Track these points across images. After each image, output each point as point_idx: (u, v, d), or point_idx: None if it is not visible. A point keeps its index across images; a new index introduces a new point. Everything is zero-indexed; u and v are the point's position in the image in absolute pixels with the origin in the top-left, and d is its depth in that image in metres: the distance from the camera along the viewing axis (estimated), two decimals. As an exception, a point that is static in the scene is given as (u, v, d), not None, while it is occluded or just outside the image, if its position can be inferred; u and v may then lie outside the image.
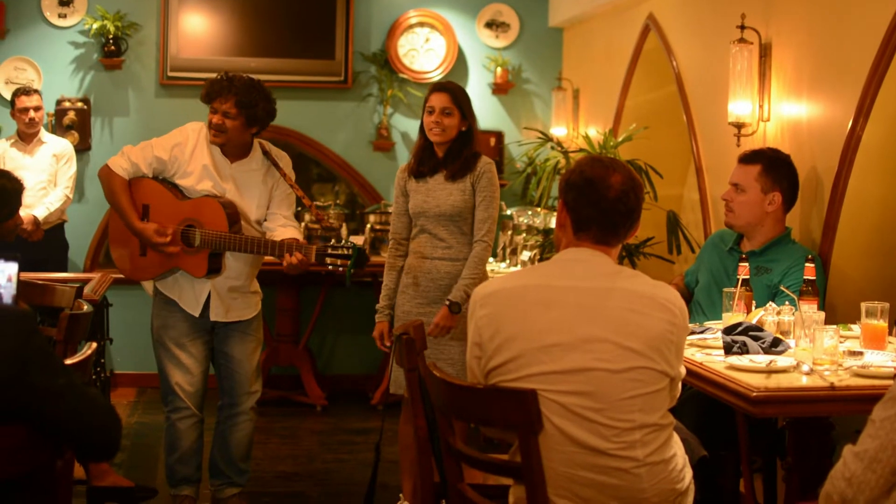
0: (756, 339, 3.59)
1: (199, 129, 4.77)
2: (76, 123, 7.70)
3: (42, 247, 6.87)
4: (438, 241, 4.88)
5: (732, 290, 4.06)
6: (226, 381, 4.90)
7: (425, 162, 4.93)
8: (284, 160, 4.86)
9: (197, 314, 4.77)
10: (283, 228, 4.74)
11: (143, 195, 4.74)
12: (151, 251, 4.75)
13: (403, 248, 5.00)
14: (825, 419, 3.47)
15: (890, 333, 3.72)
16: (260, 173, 4.80)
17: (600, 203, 2.91)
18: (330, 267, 4.54)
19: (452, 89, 4.90)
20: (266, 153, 4.82)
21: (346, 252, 4.53)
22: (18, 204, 4.88)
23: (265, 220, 4.80)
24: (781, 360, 3.42)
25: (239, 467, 4.94)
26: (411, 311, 4.88)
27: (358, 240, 7.23)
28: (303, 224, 7.16)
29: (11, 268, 3.76)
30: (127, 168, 4.71)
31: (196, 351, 4.82)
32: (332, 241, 4.63)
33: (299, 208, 7.29)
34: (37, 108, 7.04)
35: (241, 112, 4.66)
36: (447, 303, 4.74)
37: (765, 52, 4.97)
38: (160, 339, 4.83)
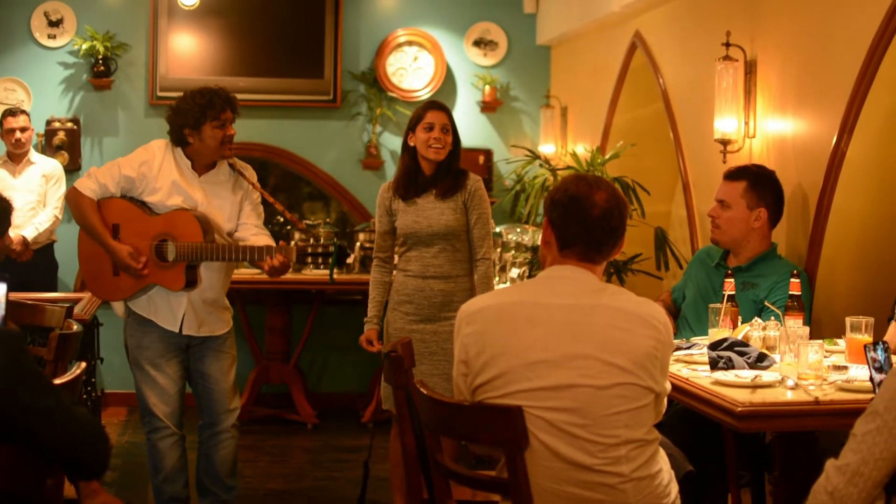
0: (741, 354, 3.62)
1: (165, 145, 4.75)
2: (66, 144, 7.71)
3: (31, 267, 6.88)
4: (430, 259, 4.89)
5: (718, 305, 4.08)
6: (204, 400, 4.85)
7: (413, 181, 4.94)
8: (249, 171, 4.86)
9: (176, 329, 4.72)
10: (256, 237, 4.72)
11: (112, 215, 4.68)
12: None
13: (389, 265, 5.04)
14: (811, 433, 3.48)
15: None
16: (229, 185, 4.79)
17: (585, 220, 2.94)
18: (311, 266, 4.58)
19: (447, 108, 4.99)
20: (231, 165, 4.83)
21: (327, 251, 4.59)
22: (7, 224, 4.88)
23: (236, 230, 4.79)
24: (766, 375, 3.44)
25: (226, 484, 4.89)
26: (403, 329, 4.89)
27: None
28: (292, 243, 7.15)
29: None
30: (95, 189, 4.65)
31: (171, 371, 4.77)
32: (312, 240, 4.65)
33: (288, 227, 7.32)
34: (23, 129, 7.06)
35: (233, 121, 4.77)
36: None
37: (750, 69, 5.01)
38: (135, 360, 4.77)
